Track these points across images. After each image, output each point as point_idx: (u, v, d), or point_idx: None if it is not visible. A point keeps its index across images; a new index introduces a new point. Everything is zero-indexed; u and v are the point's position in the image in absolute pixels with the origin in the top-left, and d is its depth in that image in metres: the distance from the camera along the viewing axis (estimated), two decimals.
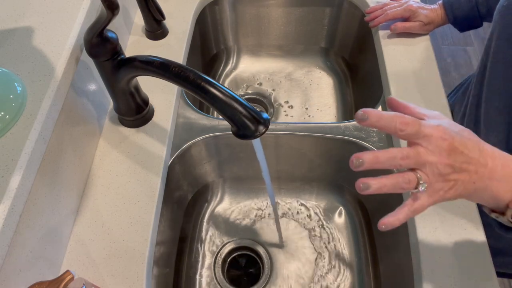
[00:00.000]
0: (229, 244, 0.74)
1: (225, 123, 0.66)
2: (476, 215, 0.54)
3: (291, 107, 0.92)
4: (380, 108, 0.67)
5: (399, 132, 0.33)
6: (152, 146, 0.60)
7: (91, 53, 0.48)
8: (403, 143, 0.60)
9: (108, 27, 0.47)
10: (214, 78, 0.75)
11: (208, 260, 0.72)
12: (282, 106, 0.92)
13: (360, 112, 0.33)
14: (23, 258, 0.42)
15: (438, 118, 0.36)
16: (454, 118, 0.68)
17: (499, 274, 0.52)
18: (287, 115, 0.90)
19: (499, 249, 0.56)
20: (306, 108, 0.91)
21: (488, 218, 0.40)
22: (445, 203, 0.54)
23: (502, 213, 0.37)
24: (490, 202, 0.37)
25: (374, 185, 0.33)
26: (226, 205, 0.79)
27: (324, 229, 0.75)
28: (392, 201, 0.62)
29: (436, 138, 0.33)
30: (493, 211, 0.38)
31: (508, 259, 0.62)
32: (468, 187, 0.35)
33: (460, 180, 0.34)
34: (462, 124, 0.66)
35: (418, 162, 0.33)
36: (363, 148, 0.64)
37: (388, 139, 0.64)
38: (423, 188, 0.34)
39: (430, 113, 0.36)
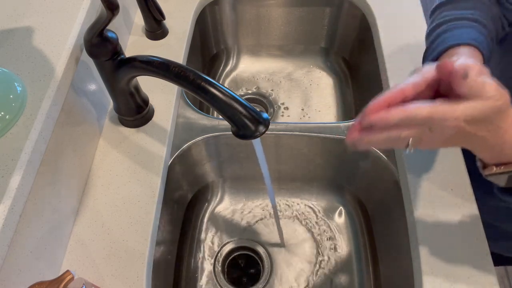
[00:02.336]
0: (229, 244, 0.74)
1: (225, 123, 0.66)
2: (476, 215, 0.54)
3: (290, 107, 0.92)
4: None
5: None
6: (152, 146, 0.60)
7: (91, 53, 0.48)
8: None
9: (108, 27, 0.47)
10: (214, 78, 0.75)
11: (208, 260, 0.72)
12: (282, 106, 0.92)
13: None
14: (23, 258, 0.42)
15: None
16: None
17: (507, 261, 0.51)
18: (283, 115, 0.90)
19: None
20: (304, 109, 0.91)
21: (490, 202, 0.39)
22: (446, 204, 0.54)
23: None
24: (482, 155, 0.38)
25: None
26: (226, 205, 0.79)
27: (324, 229, 0.75)
28: (392, 201, 0.62)
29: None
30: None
31: None
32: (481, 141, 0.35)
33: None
34: None
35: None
36: None
37: None
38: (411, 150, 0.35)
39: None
